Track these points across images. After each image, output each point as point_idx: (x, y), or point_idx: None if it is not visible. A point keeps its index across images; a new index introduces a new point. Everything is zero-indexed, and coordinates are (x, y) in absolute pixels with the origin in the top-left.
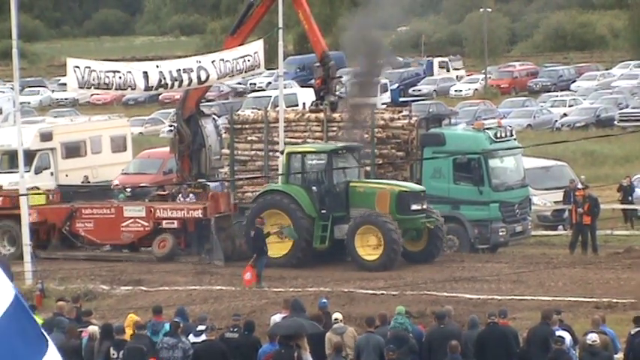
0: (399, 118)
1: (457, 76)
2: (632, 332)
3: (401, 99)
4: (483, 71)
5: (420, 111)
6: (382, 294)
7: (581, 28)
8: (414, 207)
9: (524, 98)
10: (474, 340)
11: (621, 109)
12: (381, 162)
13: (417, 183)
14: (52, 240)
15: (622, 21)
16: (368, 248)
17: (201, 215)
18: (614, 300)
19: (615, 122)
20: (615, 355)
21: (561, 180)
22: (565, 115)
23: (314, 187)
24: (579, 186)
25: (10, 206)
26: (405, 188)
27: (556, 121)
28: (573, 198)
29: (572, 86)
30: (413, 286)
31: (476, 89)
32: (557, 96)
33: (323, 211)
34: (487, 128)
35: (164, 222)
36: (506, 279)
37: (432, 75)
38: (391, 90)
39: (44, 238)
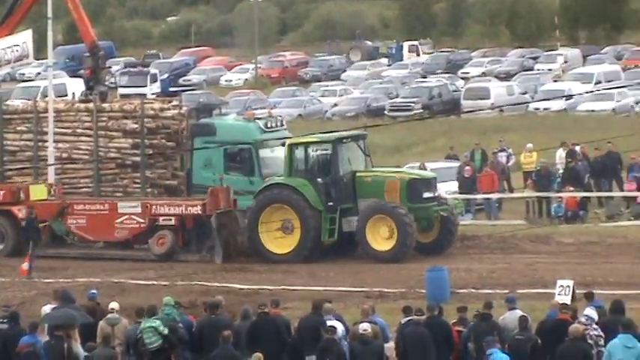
0: (169, 109)
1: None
2: (403, 322)
3: (171, 89)
4: (253, 61)
5: (190, 101)
6: (153, 284)
7: (352, 18)
8: (426, 195)
9: (295, 88)
10: (246, 330)
11: (391, 98)
12: (151, 152)
13: (187, 174)
14: (42, 237)
15: (392, 11)
16: (380, 239)
17: (200, 212)
18: (385, 290)
19: (386, 112)
20: (386, 345)
21: None
22: (335, 104)
23: (319, 179)
24: None
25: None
26: (416, 175)
27: (326, 110)
28: None
29: (343, 76)
30: (184, 277)
31: (246, 79)
32: (327, 86)
33: (330, 204)
34: (258, 118)
35: (161, 219)
36: (277, 269)
37: (402, 59)
38: (161, 80)
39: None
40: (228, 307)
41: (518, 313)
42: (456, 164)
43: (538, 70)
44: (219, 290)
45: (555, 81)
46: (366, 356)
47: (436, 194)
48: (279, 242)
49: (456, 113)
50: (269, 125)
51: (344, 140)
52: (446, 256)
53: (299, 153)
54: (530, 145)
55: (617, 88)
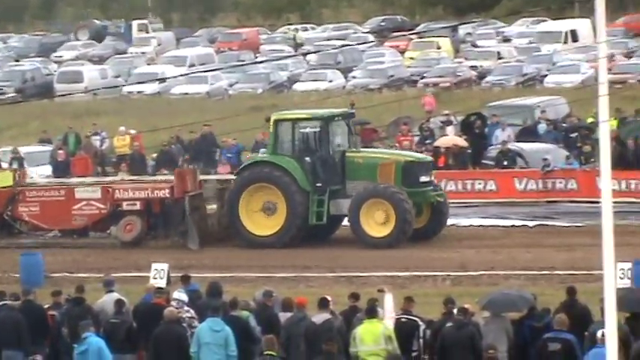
0: None
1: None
2: None
3: None
4: None
5: None
6: None
7: None
8: (423, 179)
9: None
10: None
11: None
12: None
13: None
14: None
15: None
16: (374, 224)
17: (168, 195)
18: None
19: None
20: None
21: None
22: None
23: (307, 158)
24: None
25: None
26: (412, 158)
27: None
28: None
29: None
30: None
31: None
32: None
33: (318, 185)
34: None
35: (125, 204)
36: None
37: (132, 38)
38: None
39: None
40: None
41: (116, 296)
42: (49, 148)
43: (131, 53)
44: None
45: (149, 64)
46: None
47: (432, 178)
48: (261, 224)
49: (49, 97)
50: None
51: (335, 118)
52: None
53: (285, 129)
54: (122, 129)
55: (211, 71)
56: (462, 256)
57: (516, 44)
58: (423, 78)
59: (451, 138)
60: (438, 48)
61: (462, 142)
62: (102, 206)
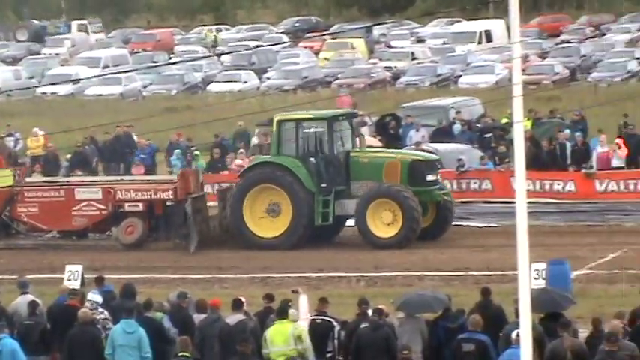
0: None
1: (96, 40)
2: None
3: None
4: None
5: None
6: None
7: None
8: (430, 177)
9: None
10: None
11: None
12: None
13: None
14: None
15: None
16: (381, 224)
17: (171, 196)
18: None
19: None
20: None
21: None
22: None
23: (311, 159)
24: None
25: None
26: (418, 157)
27: None
28: None
29: None
30: None
31: None
32: None
33: (323, 186)
34: None
35: (127, 205)
36: None
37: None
38: None
39: None
40: None
41: (30, 297)
42: None
43: (45, 54)
44: None
45: (63, 65)
46: None
47: (439, 177)
48: (265, 226)
49: None
50: None
51: (340, 118)
52: None
53: (289, 130)
54: (36, 130)
55: (125, 72)
56: (376, 256)
57: (430, 45)
58: (337, 79)
59: (366, 139)
60: (353, 49)
61: (376, 143)
62: (103, 207)
